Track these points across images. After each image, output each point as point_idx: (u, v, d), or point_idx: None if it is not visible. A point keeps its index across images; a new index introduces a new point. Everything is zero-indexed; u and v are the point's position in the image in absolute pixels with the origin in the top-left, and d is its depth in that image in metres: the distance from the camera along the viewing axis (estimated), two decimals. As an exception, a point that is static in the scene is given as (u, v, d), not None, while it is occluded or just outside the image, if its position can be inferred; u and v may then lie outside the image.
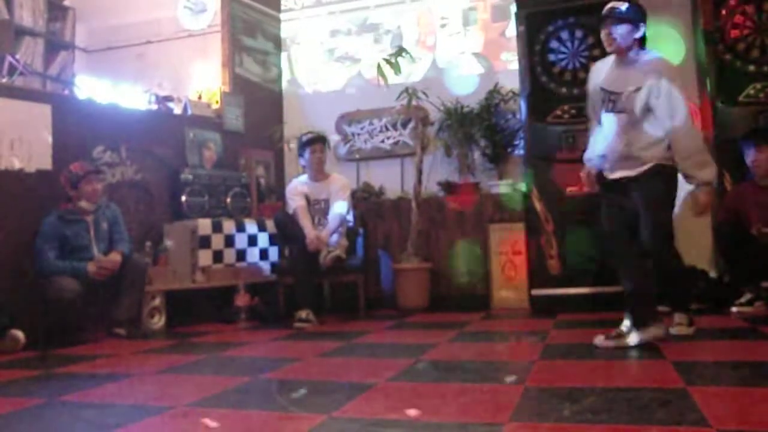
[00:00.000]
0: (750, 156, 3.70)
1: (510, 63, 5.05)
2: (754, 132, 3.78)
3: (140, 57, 5.60)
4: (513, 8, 4.98)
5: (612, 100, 2.96)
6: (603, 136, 3.01)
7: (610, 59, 3.07)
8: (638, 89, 2.86)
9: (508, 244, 4.44)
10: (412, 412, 1.78)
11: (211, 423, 1.76)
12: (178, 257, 4.19)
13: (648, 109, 2.86)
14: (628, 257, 2.89)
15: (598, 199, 3.05)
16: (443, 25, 5.33)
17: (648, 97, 2.83)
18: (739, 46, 4.21)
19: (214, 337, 3.64)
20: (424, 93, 4.65)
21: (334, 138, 5.24)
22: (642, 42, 2.95)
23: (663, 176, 2.83)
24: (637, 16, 2.93)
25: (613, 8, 2.95)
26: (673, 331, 2.88)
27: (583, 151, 3.16)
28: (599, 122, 3.06)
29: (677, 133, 2.77)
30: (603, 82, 3.02)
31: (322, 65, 5.64)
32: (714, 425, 1.50)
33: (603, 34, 2.97)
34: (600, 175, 3.02)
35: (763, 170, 3.67)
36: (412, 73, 5.24)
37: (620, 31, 2.89)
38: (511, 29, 5.05)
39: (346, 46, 5.59)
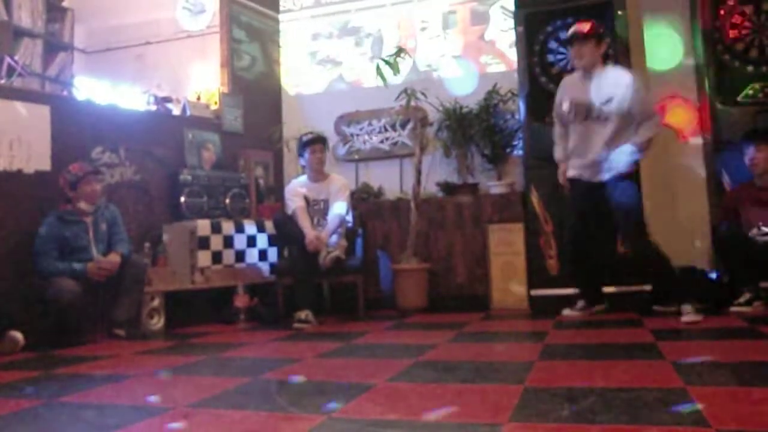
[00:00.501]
0: (749, 154, 3.70)
1: (489, 66, 5.14)
2: (754, 132, 3.79)
3: (139, 58, 5.60)
4: (492, 11, 5.15)
5: (587, 110, 3.46)
6: (581, 142, 3.53)
7: (576, 75, 3.58)
8: (610, 100, 3.38)
9: (507, 245, 4.44)
10: (412, 413, 1.78)
11: (212, 424, 1.77)
12: (177, 258, 4.19)
13: (626, 116, 3.37)
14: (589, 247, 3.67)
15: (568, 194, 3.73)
16: (423, 29, 5.38)
17: (622, 103, 3.35)
18: (737, 47, 4.22)
19: (213, 337, 3.64)
20: (423, 94, 4.65)
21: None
22: (605, 58, 3.51)
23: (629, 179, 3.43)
24: (599, 33, 3.46)
25: (576, 30, 3.47)
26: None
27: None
28: (565, 129, 3.66)
29: (651, 120, 3.39)
30: (574, 96, 3.51)
31: (305, 68, 5.68)
32: (714, 425, 1.50)
33: (572, 53, 3.52)
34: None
35: (761, 169, 3.68)
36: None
37: (586, 49, 3.43)
38: (490, 32, 5.17)
39: (328, 50, 5.63)
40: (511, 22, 4.99)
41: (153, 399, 2.10)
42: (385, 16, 5.47)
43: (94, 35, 5.77)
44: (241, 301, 4.17)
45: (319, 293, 4.51)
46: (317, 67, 5.64)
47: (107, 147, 4.10)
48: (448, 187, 4.81)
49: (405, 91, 4.59)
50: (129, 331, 3.60)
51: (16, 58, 4.16)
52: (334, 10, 5.61)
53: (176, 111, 4.76)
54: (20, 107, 3.65)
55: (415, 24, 5.40)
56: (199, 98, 5.05)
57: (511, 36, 5.00)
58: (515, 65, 4.88)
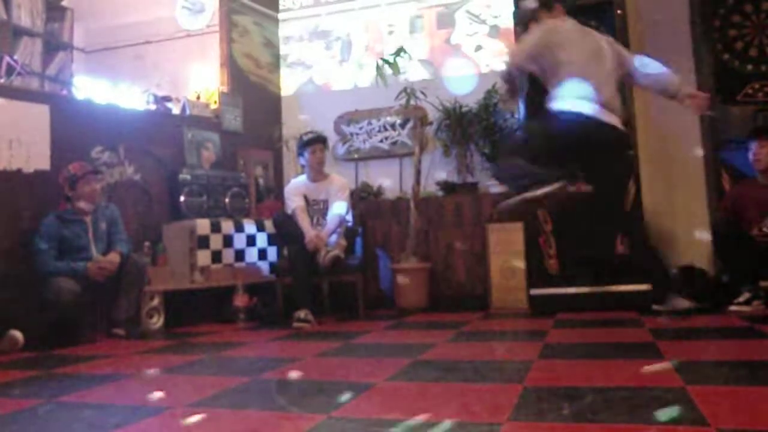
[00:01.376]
0: (752, 149, 3.69)
1: (455, 69, 5.18)
2: (759, 128, 3.78)
3: (138, 57, 5.60)
4: (457, 16, 5.20)
5: None
6: None
7: None
8: None
9: (506, 244, 4.44)
10: (412, 412, 1.78)
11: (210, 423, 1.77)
12: (177, 257, 4.18)
13: None
14: None
15: None
16: (390, 32, 5.43)
17: None
18: (737, 46, 4.22)
19: (212, 337, 3.64)
20: (423, 93, 4.65)
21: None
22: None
23: None
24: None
25: None
26: None
27: None
28: None
29: None
30: None
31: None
32: (713, 424, 1.50)
33: None
34: None
35: (764, 164, 3.66)
36: (360, 79, 5.43)
37: None
38: (456, 36, 5.23)
39: (298, 53, 5.68)
40: (476, 27, 5.09)
41: (153, 399, 2.10)
42: (354, 19, 5.54)
43: (94, 34, 5.77)
44: (240, 300, 4.17)
45: (318, 293, 4.51)
46: (288, 70, 5.70)
47: (107, 146, 4.10)
48: (447, 187, 4.81)
49: (405, 90, 4.59)
50: (128, 330, 3.60)
51: (16, 57, 4.15)
52: (303, 14, 5.69)
53: (176, 110, 4.76)
54: (20, 106, 3.65)
55: (382, 28, 5.46)
56: (198, 97, 5.05)
57: (476, 40, 5.10)
58: (481, 69, 4.99)
